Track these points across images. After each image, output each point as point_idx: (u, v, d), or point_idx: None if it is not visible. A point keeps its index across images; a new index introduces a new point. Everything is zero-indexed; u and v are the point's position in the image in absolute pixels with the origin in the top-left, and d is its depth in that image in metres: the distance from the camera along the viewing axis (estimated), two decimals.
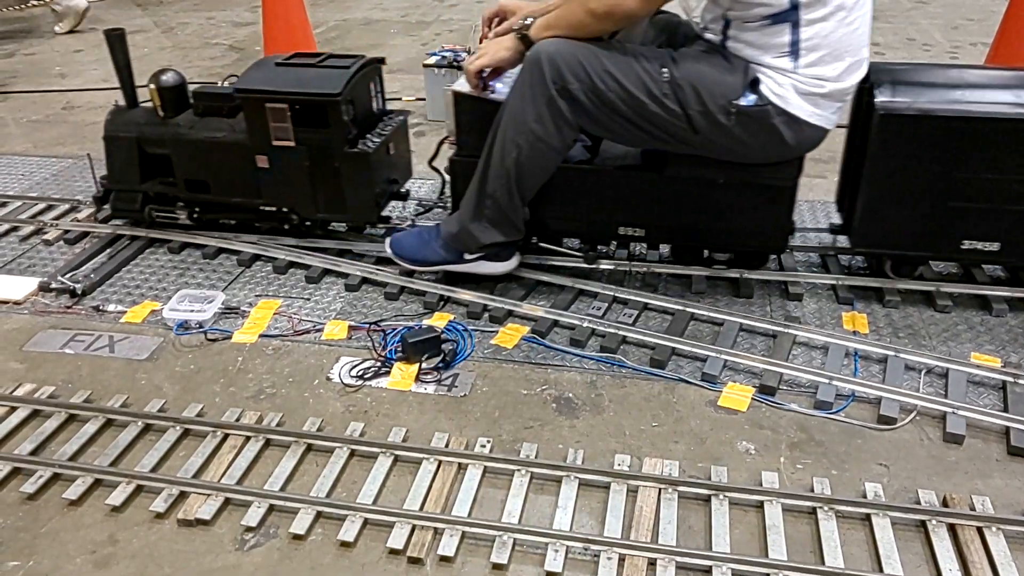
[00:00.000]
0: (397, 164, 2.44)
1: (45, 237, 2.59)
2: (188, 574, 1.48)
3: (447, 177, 2.40)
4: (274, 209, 2.38)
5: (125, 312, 2.21)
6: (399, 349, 1.98)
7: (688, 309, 2.10)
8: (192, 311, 2.15)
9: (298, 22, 3.77)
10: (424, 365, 1.94)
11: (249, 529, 1.55)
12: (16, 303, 2.28)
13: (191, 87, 2.45)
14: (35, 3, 5.88)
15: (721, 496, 1.57)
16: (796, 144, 1.93)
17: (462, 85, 2.11)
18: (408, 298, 2.23)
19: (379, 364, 1.96)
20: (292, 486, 1.65)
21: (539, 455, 1.68)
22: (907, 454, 1.69)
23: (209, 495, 1.61)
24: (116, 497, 1.62)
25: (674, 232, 2.18)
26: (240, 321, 2.16)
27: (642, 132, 1.95)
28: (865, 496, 1.57)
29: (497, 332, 2.07)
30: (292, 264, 2.38)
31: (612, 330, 2.03)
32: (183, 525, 1.57)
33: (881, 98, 1.93)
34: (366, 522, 1.55)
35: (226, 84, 3.86)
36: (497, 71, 2.04)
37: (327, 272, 2.34)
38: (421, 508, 1.56)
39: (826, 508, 1.54)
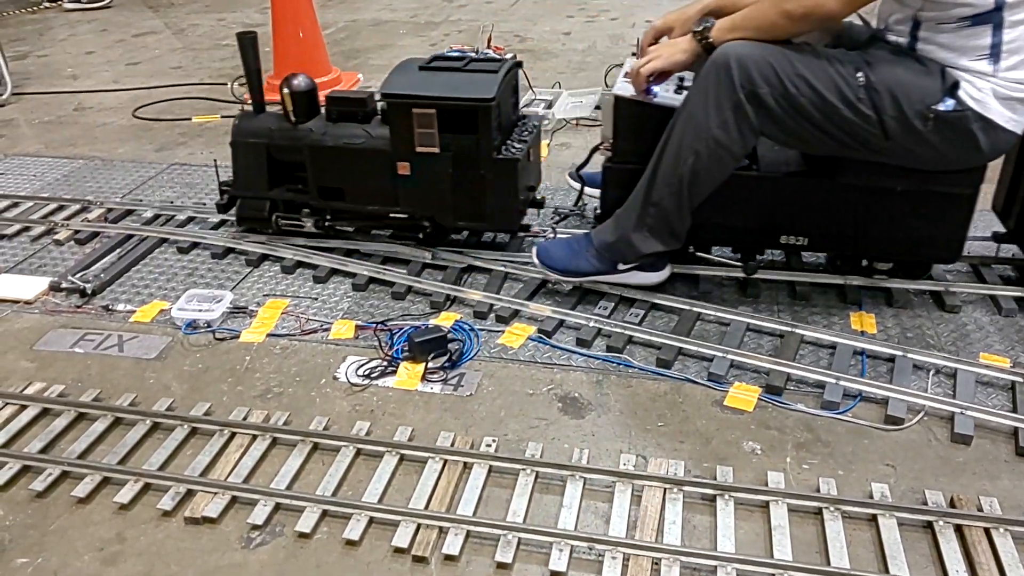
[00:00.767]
0: (533, 170, 2.39)
1: (56, 237, 2.61)
2: (194, 572, 1.49)
3: (574, 185, 2.40)
4: (406, 217, 2.33)
5: (134, 312, 2.23)
6: (405, 348, 1.98)
7: (695, 309, 2.10)
8: (200, 311, 2.16)
9: (308, 23, 3.79)
10: (430, 364, 1.95)
11: (255, 527, 1.56)
12: (27, 303, 2.29)
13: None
14: (48, 4, 5.92)
15: (726, 496, 1.57)
16: (989, 150, 1.83)
17: (623, 89, 2.04)
18: (415, 298, 2.23)
19: (386, 363, 1.96)
20: (298, 485, 1.65)
21: (544, 455, 1.69)
22: (914, 454, 1.68)
23: (216, 493, 1.62)
24: (124, 495, 1.63)
25: (839, 240, 2.08)
26: (248, 321, 2.17)
27: (829, 138, 1.85)
28: (872, 496, 1.56)
29: (503, 332, 2.07)
30: (300, 264, 2.39)
31: (618, 330, 2.03)
32: (190, 523, 1.58)
33: None
34: (371, 521, 1.55)
35: (236, 85, 3.90)
36: (663, 75, 1.97)
37: (335, 272, 2.35)
38: (426, 507, 1.57)
39: (832, 508, 1.53)
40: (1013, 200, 2.17)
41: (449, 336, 2.01)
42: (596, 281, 2.15)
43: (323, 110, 2.35)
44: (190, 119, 3.66)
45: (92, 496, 1.65)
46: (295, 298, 2.26)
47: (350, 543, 1.52)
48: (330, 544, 1.53)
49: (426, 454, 1.68)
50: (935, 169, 1.90)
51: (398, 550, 1.50)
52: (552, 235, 2.36)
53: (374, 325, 2.10)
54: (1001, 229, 2.27)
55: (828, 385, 1.83)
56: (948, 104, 1.78)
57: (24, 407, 1.88)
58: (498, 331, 2.08)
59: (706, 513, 1.56)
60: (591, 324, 2.06)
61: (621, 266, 2.10)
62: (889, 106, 1.79)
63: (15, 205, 2.83)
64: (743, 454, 1.70)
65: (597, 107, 3.44)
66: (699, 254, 2.19)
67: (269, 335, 2.11)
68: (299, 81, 2.33)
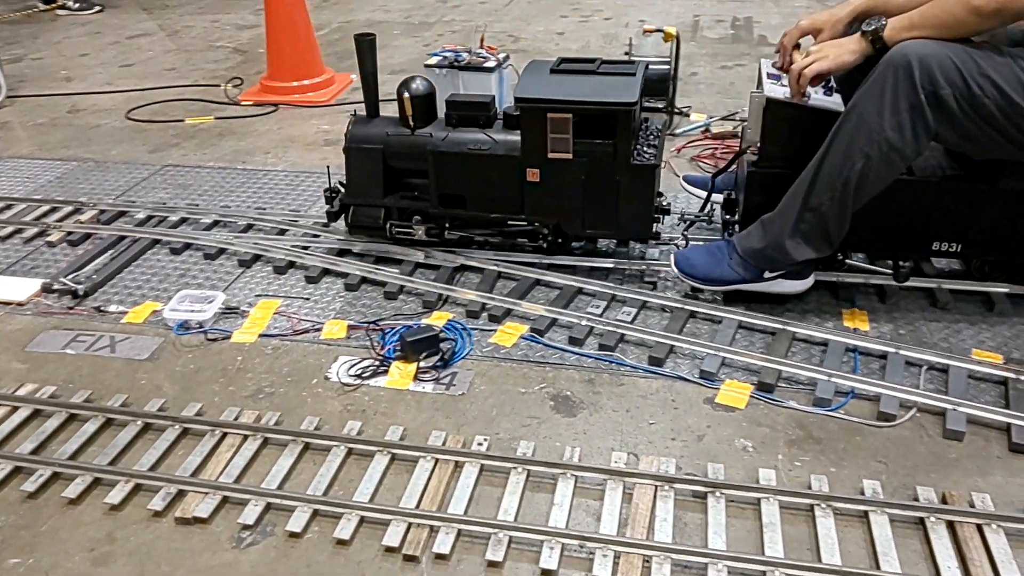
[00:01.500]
0: (660, 176, 2.29)
1: (48, 239, 2.61)
2: (185, 572, 1.49)
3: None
4: (526, 224, 2.28)
5: (126, 313, 2.22)
6: (397, 348, 1.98)
7: (687, 307, 2.10)
8: (192, 311, 2.16)
9: (301, 24, 3.79)
10: (422, 364, 1.95)
11: (246, 527, 1.56)
12: (19, 304, 2.29)
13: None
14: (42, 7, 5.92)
15: (718, 493, 1.56)
16: None
17: (773, 91, 1.99)
18: (407, 297, 2.23)
19: (377, 363, 1.96)
20: (289, 484, 1.65)
21: (536, 453, 1.68)
22: (906, 451, 1.68)
23: (207, 493, 1.62)
24: (115, 496, 1.62)
25: (997, 247, 2.02)
26: (240, 321, 2.17)
27: (1008, 141, 1.78)
28: (863, 493, 1.56)
29: (496, 331, 2.07)
30: (292, 264, 2.39)
31: (610, 328, 2.03)
32: (180, 523, 1.58)
33: None
34: (362, 520, 1.55)
35: (229, 86, 3.90)
36: (819, 77, 1.89)
37: (327, 272, 2.35)
38: (417, 506, 1.56)
39: (824, 505, 1.53)
40: None
41: (441, 335, 2.01)
42: (739, 289, 2.09)
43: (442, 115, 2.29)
44: (183, 121, 3.65)
45: (83, 497, 1.64)
46: (287, 298, 2.25)
47: (341, 542, 1.52)
48: (321, 543, 1.53)
49: (417, 453, 1.68)
50: None
51: (389, 549, 1.49)
52: (683, 243, 2.29)
53: (366, 325, 2.10)
54: None
55: (820, 382, 1.83)
56: None
57: (16, 408, 1.88)
58: (491, 330, 2.08)
59: (697, 511, 1.55)
60: (583, 323, 2.06)
61: (767, 274, 2.05)
62: None
63: (8, 207, 2.82)
64: (734, 451, 1.70)
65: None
66: (849, 262, 2.12)
67: (261, 335, 2.10)
68: (418, 85, 2.25)
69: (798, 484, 1.60)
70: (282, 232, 2.56)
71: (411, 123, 2.25)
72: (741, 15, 4.95)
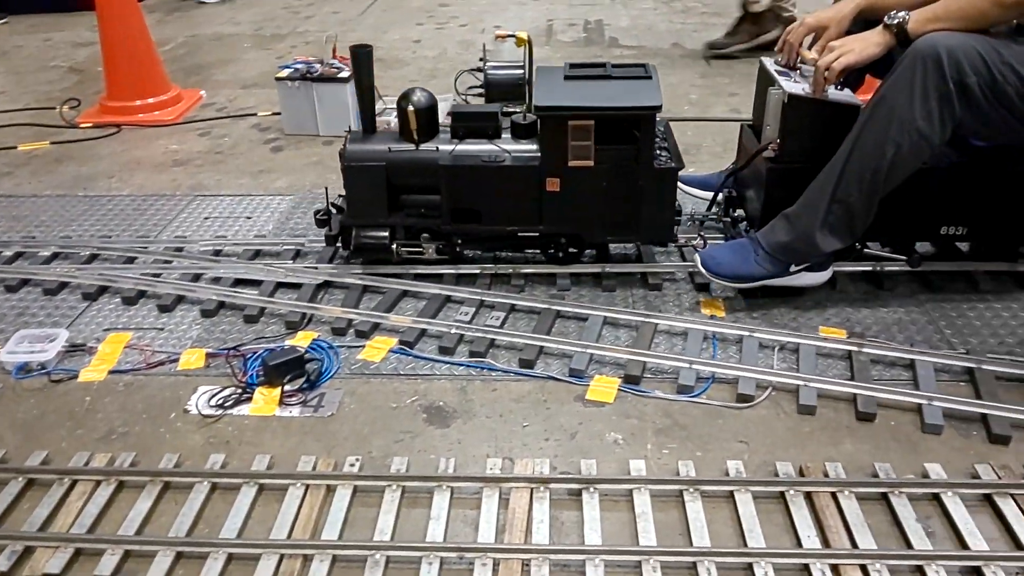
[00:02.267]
0: None
1: None
2: None
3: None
4: (537, 235, 2.23)
5: None
6: (260, 373, 1.91)
7: (553, 307, 2.12)
8: (33, 352, 2.00)
9: (140, 39, 3.58)
10: (287, 387, 1.88)
11: None
12: None
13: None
14: None
15: (591, 489, 1.59)
16: None
17: (793, 87, 2.02)
18: (269, 319, 2.15)
19: (240, 391, 1.88)
20: (149, 528, 1.55)
21: (410, 468, 1.66)
22: (765, 429, 1.76)
23: (57, 547, 1.50)
24: None
25: (1000, 228, 2.12)
26: (87, 359, 2.03)
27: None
28: (728, 474, 1.62)
29: (364, 346, 2.03)
30: (142, 294, 2.26)
31: (480, 334, 2.03)
32: None
33: None
34: (231, 557, 1.48)
35: (66, 108, 3.66)
36: (844, 71, 1.94)
37: (181, 299, 2.23)
38: (289, 536, 1.51)
39: (691, 490, 1.58)
40: None
41: (306, 356, 1.94)
42: (764, 285, 2.11)
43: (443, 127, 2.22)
44: (16, 148, 3.40)
45: None
46: (139, 330, 2.13)
47: None
48: None
49: (286, 481, 1.62)
50: None
51: None
52: (701, 243, 2.29)
53: (226, 352, 2.01)
54: None
55: (682, 370, 1.89)
56: None
57: None
58: (358, 346, 2.04)
59: (573, 508, 1.57)
60: (453, 331, 2.04)
61: (793, 267, 2.08)
62: None
63: None
64: (606, 445, 1.73)
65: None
66: (866, 250, 2.19)
67: (111, 372, 1.97)
68: (419, 97, 2.16)
69: (667, 471, 1.65)
70: (130, 260, 2.41)
71: (415, 137, 2.17)
72: (592, 18, 5.08)
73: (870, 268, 2.23)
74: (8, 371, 1.99)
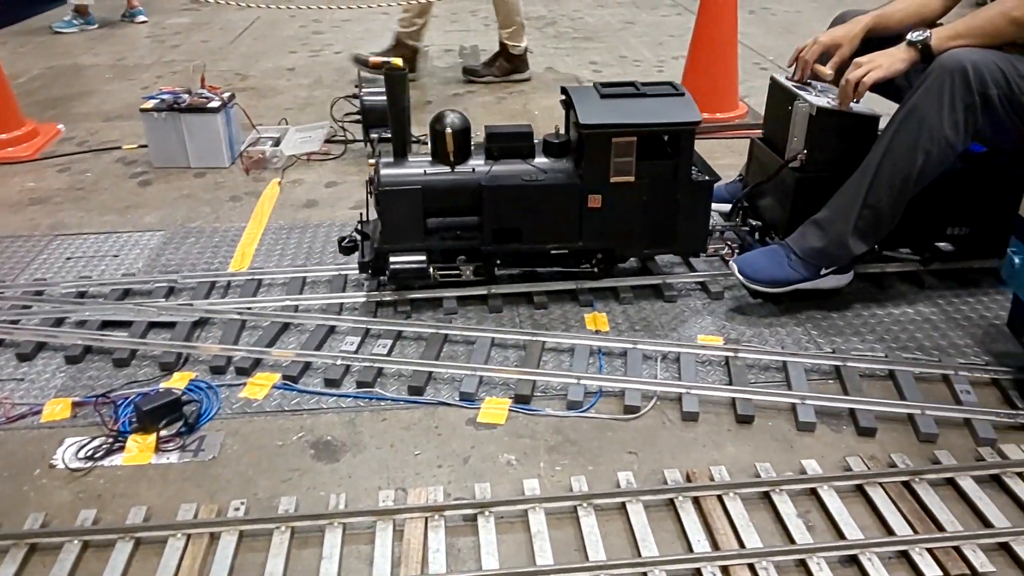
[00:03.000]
0: None
1: None
2: None
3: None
4: (566, 251, 2.25)
5: None
6: (133, 420, 1.80)
7: (441, 331, 2.11)
8: None
9: None
10: (163, 433, 1.79)
11: None
12: None
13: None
14: None
15: (487, 513, 1.58)
16: None
17: (818, 100, 2.14)
18: (141, 362, 2.04)
19: (111, 440, 1.77)
20: None
21: (299, 507, 1.60)
22: (652, 438, 1.80)
23: None
24: None
25: (999, 227, 2.19)
26: None
27: None
28: (619, 485, 1.65)
29: (245, 384, 1.96)
30: None
31: (367, 364, 1.99)
32: None
33: None
34: None
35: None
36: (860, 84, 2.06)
37: (42, 346, 2.09)
38: None
39: (585, 505, 1.60)
40: None
41: (184, 398, 1.86)
42: (795, 289, 2.20)
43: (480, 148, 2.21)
44: None
45: None
46: None
47: None
48: None
49: (165, 532, 1.53)
50: None
51: None
52: (729, 252, 2.36)
53: (94, 399, 1.89)
54: None
55: (571, 386, 1.92)
56: None
57: None
58: (239, 384, 1.96)
59: (469, 534, 1.56)
60: (338, 363, 2.00)
61: (823, 271, 2.17)
62: None
63: None
64: (500, 467, 1.72)
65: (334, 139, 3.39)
66: (886, 253, 2.31)
67: None
68: (454, 119, 2.16)
69: (560, 488, 1.66)
70: None
71: (451, 159, 2.16)
72: (468, 43, 5.13)
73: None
74: None
